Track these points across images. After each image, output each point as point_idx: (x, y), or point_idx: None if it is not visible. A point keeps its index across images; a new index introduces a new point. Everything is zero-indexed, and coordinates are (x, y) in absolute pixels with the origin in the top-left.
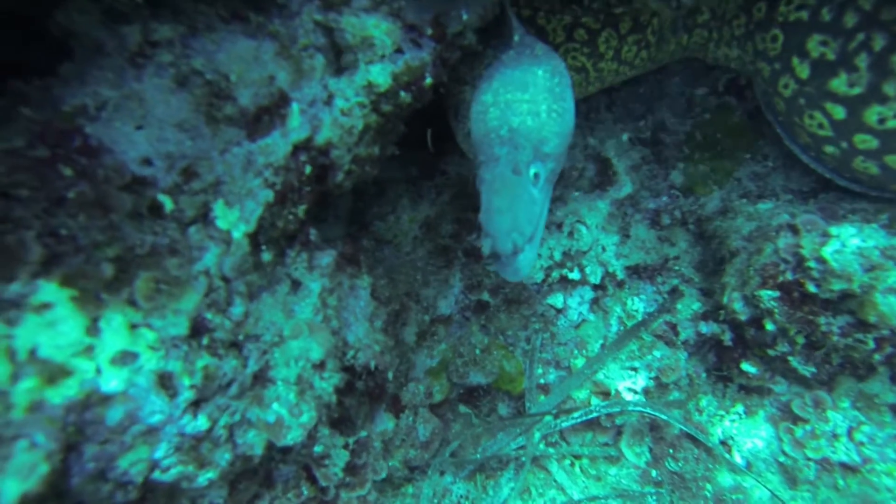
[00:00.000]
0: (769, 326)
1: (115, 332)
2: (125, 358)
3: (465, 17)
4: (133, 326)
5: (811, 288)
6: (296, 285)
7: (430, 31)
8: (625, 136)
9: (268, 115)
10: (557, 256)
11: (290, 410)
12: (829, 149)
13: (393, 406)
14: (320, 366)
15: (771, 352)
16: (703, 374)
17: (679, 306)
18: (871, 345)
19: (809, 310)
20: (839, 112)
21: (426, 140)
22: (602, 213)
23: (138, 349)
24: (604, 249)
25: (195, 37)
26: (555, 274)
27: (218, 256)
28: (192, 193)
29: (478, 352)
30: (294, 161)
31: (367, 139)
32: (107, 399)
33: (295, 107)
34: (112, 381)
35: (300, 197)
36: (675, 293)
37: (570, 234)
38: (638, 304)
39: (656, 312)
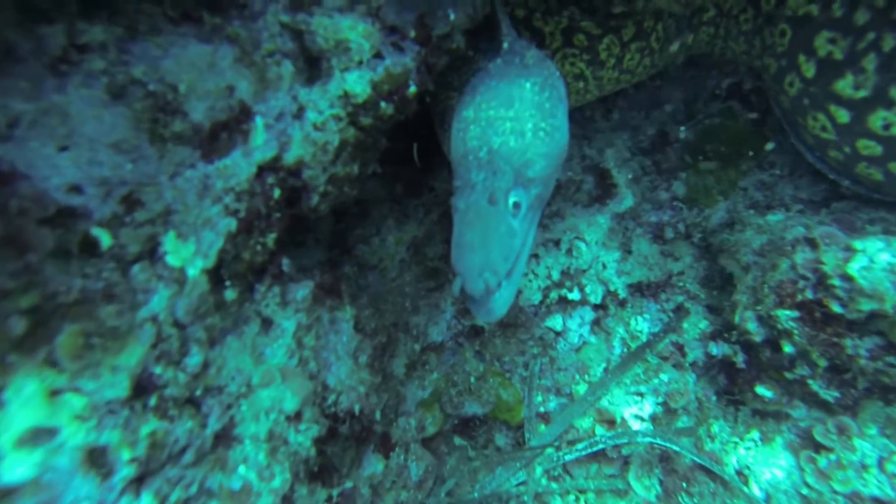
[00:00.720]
0: (787, 348)
1: (25, 404)
2: (38, 436)
3: (452, 17)
4: (53, 393)
5: (836, 308)
6: (267, 324)
7: (413, 34)
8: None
9: (226, 131)
10: (556, 276)
11: (260, 473)
12: (832, 153)
13: (382, 445)
14: (296, 417)
15: (789, 375)
16: (714, 398)
17: (685, 325)
18: None
19: (834, 331)
20: (843, 115)
21: (412, 154)
22: (602, 228)
23: (58, 422)
24: (604, 267)
25: (135, 40)
26: (553, 294)
27: (169, 299)
28: (136, 225)
29: (473, 380)
30: (260, 184)
31: (345, 156)
32: (9, 493)
33: (259, 121)
34: (17, 469)
35: (269, 224)
36: (680, 311)
37: (569, 251)
38: (642, 324)
39: (661, 333)
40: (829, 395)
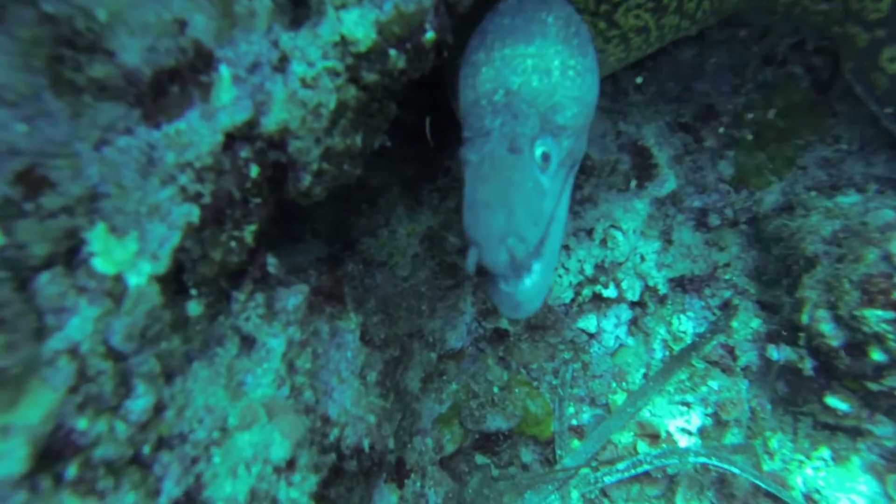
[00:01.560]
0: (876, 355)
1: None
2: None
3: None
4: None
5: None
6: (248, 344)
7: None
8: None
9: (178, 83)
10: (589, 270)
11: None
12: None
13: (396, 473)
14: (288, 466)
15: (872, 385)
16: (769, 407)
17: (735, 324)
18: None
19: None
20: None
21: (424, 130)
22: (640, 215)
23: None
24: (643, 259)
25: None
26: (586, 291)
27: (97, 320)
28: (43, 216)
29: (496, 390)
30: (230, 158)
31: (344, 124)
32: None
33: (224, 71)
34: None
35: (246, 213)
36: (728, 308)
37: (604, 242)
38: (686, 324)
39: (708, 333)
40: None
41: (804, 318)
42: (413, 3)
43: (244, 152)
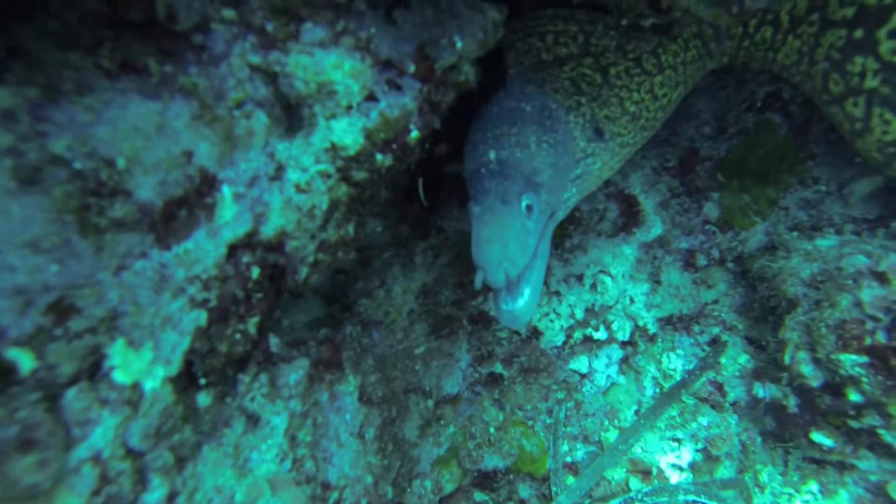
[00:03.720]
0: (854, 396)
1: None
2: None
3: (459, 45)
4: None
5: None
6: (253, 421)
7: (412, 68)
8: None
9: (185, 208)
10: (579, 314)
11: None
12: None
13: None
14: None
15: (854, 423)
16: (759, 439)
17: (723, 360)
18: None
19: None
20: None
21: (417, 192)
22: (629, 259)
23: None
24: (632, 301)
25: (57, 103)
26: (577, 335)
27: (117, 427)
28: (70, 338)
29: (492, 430)
30: (233, 265)
31: (338, 218)
32: None
33: (226, 191)
34: None
35: (249, 308)
36: (717, 345)
37: (593, 286)
38: (675, 362)
39: (697, 370)
40: None
41: (786, 359)
42: (397, 109)
43: (246, 258)
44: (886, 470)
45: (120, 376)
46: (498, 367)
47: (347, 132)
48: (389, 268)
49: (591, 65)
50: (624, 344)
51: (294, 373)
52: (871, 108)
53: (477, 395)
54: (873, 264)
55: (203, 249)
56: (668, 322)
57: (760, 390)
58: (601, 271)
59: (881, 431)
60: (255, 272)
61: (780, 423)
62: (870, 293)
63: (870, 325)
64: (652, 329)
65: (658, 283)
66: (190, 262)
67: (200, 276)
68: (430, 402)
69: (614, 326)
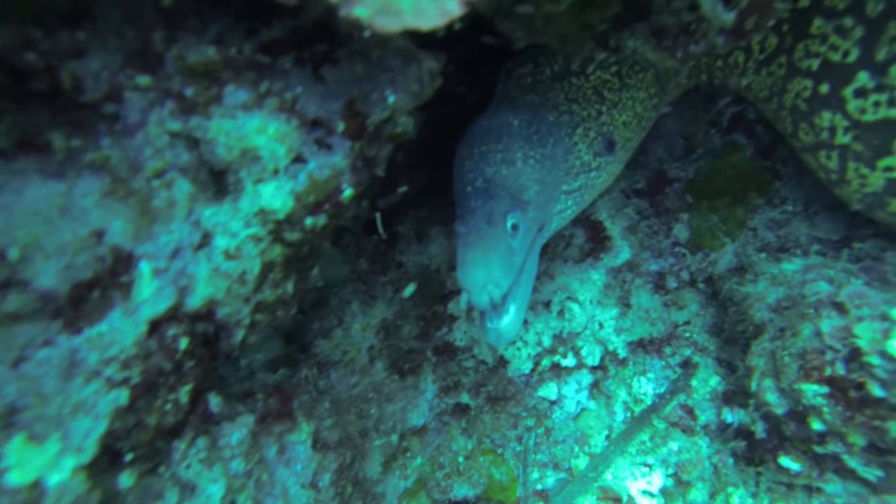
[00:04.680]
0: (816, 426)
1: None
2: None
3: (391, 99)
4: None
5: (876, 391)
6: (189, 490)
7: (341, 127)
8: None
9: (98, 289)
10: (547, 342)
11: None
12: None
13: None
14: None
15: (818, 448)
16: (731, 461)
17: (694, 382)
18: None
19: (874, 413)
20: None
21: (375, 225)
22: (597, 285)
23: None
24: (601, 326)
25: None
26: (545, 362)
27: None
28: None
29: (461, 459)
30: (157, 340)
31: (274, 279)
32: None
33: (145, 268)
34: None
35: (181, 377)
36: (688, 366)
37: (561, 313)
38: (646, 385)
39: (668, 394)
40: (871, 473)
41: (753, 386)
42: (328, 169)
43: (171, 331)
44: (852, 493)
45: (15, 477)
46: (464, 398)
47: (276, 196)
48: (348, 305)
49: (613, 71)
50: (594, 369)
51: (237, 432)
52: (846, 162)
53: (445, 425)
54: (833, 293)
55: (119, 330)
56: (638, 345)
57: (729, 415)
58: (568, 297)
59: (845, 457)
60: (184, 343)
61: (750, 446)
62: (829, 324)
63: (829, 355)
64: (622, 353)
65: (628, 306)
66: (104, 344)
67: (118, 357)
68: (395, 437)
69: (583, 352)
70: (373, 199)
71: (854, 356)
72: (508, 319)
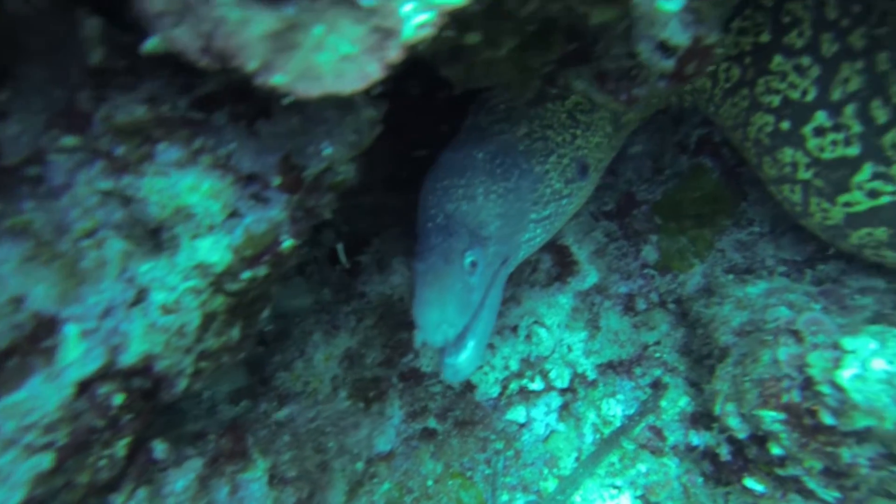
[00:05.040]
0: (775, 450)
1: None
2: None
3: (328, 151)
4: None
5: (827, 420)
6: None
7: (277, 181)
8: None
9: (16, 358)
10: (514, 366)
11: None
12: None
13: None
14: None
15: (780, 471)
16: (700, 480)
17: (663, 403)
18: None
19: (826, 440)
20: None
21: (337, 255)
22: (564, 309)
23: None
24: (570, 349)
25: None
26: (513, 385)
27: None
28: None
29: (430, 483)
30: (88, 400)
31: (218, 327)
32: None
33: (71, 330)
34: None
35: (117, 432)
36: (658, 388)
37: (528, 337)
38: (615, 407)
39: (637, 415)
40: (829, 495)
41: (716, 410)
42: (264, 223)
43: (103, 389)
44: None
45: None
46: (432, 422)
47: (213, 251)
48: (310, 336)
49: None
50: (563, 391)
51: (183, 478)
52: (809, 196)
53: (413, 450)
54: (791, 320)
55: (40, 396)
56: (608, 367)
57: (695, 438)
58: (535, 322)
59: (805, 479)
60: (119, 399)
61: (716, 468)
62: (785, 351)
63: (786, 383)
64: (591, 376)
65: (597, 329)
66: (23, 412)
67: (39, 423)
68: (360, 464)
69: (552, 375)
70: (337, 229)
71: (808, 385)
72: (466, 355)
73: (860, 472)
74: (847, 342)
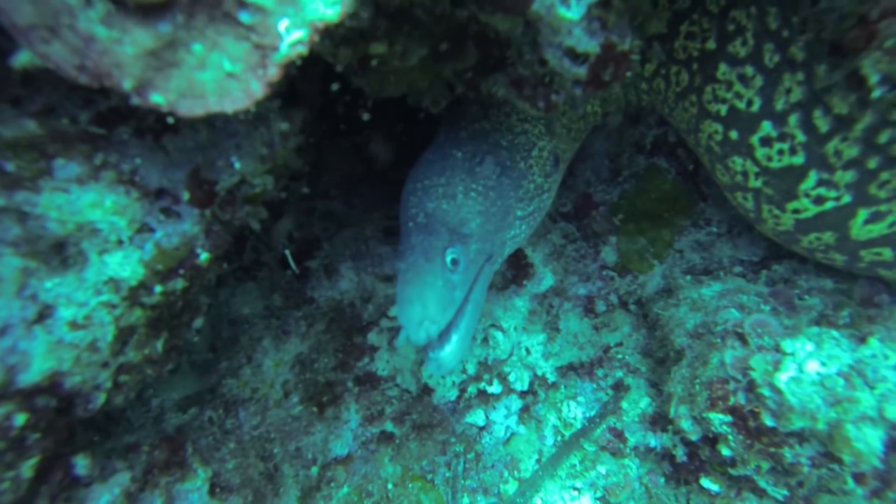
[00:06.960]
0: (725, 452)
1: None
2: None
3: (238, 165)
4: None
5: (768, 421)
6: None
7: (187, 196)
8: None
9: None
10: (472, 369)
11: None
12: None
13: None
14: None
15: (733, 471)
16: (661, 480)
17: (625, 404)
18: (851, 483)
19: (770, 441)
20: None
21: (286, 261)
22: (521, 312)
23: None
24: (528, 352)
25: None
26: (471, 389)
27: None
28: None
29: (390, 486)
30: None
31: (138, 340)
32: None
33: None
34: None
35: (22, 452)
36: (619, 388)
37: (485, 340)
38: (575, 409)
39: (598, 417)
40: (779, 493)
41: (671, 412)
42: (177, 237)
43: (1, 410)
44: None
45: None
46: (389, 426)
47: (124, 265)
48: (259, 342)
49: None
50: (523, 394)
51: (108, 493)
52: (760, 204)
53: (372, 453)
54: (739, 322)
55: None
56: (568, 369)
57: (653, 439)
58: (492, 325)
59: (756, 478)
60: (20, 419)
61: (674, 468)
62: (731, 354)
63: (732, 385)
64: (551, 378)
65: (556, 331)
66: None
67: None
68: (315, 469)
69: (511, 377)
70: (289, 234)
71: (751, 387)
72: (450, 349)
73: (802, 470)
74: (786, 344)
